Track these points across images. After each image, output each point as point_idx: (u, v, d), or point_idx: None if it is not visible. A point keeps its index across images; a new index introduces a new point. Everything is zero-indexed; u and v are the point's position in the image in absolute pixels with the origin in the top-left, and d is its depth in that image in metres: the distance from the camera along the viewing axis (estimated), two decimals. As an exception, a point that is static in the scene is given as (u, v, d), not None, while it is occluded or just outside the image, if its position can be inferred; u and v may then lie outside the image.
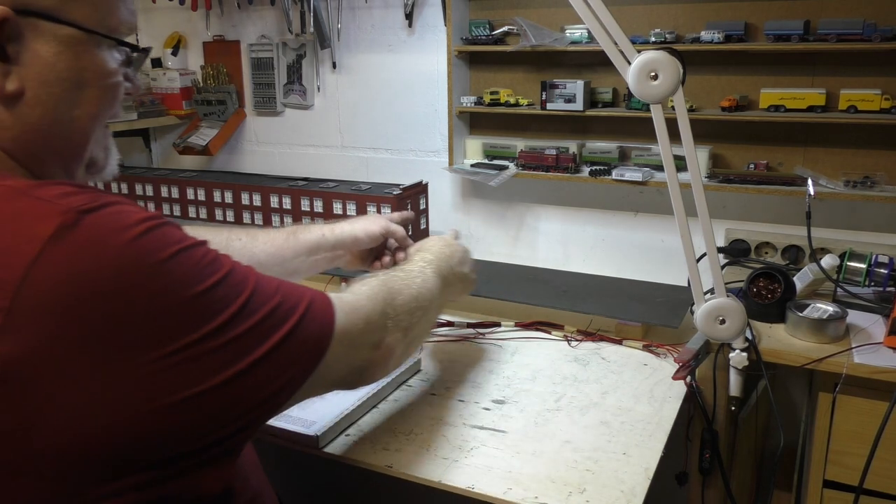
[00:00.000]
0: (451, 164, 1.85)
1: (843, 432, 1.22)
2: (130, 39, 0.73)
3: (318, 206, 1.67)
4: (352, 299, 0.81)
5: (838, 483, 1.24)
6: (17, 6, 0.64)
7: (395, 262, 1.14)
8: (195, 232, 1.12)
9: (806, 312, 1.27)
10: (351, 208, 1.63)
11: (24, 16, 0.64)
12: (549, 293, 1.49)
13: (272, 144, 2.22)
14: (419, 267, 1.00)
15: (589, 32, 1.62)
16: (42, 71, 0.67)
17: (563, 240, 1.89)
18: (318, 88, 2.09)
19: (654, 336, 1.36)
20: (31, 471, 0.54)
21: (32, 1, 0.65)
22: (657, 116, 1.08)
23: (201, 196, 1.81)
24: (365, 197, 1.61)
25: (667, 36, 1.57)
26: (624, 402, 1.13)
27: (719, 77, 1.61)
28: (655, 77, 1.06)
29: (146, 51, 0.81)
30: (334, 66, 2.04)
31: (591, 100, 1.70)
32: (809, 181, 1.43)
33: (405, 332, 0.88)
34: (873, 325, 1.29)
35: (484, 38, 1.74)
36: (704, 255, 1.17)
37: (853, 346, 1.21)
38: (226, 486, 0.68)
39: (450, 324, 1.41)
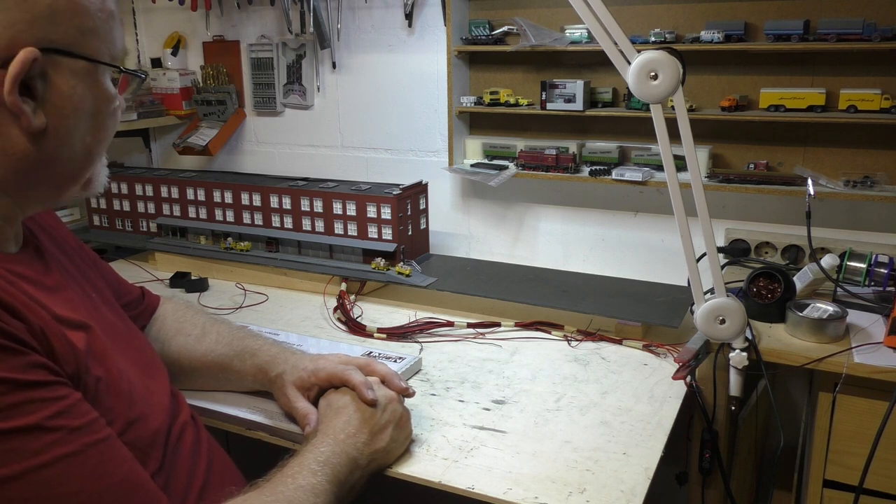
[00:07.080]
0: (450, 164, 1.85)
1: (843, 432, 1.22)
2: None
3: (318, 206, 1.67)
4: None
5: (838, 483, 1.24)
6: (40, 45, 0.66)
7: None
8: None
9: (806, 312, 1.27)
10: (351, 208, 1.63)
11: (46, 53, 0.67)
12: (549, 293, 1.49)
13: (272, 144, 2.22)
14: (306, 483, 0.80)
15: (589, 32, 1.62)
16: (62, 105, 0.69)
17: (563, 240, 1.89)
18: (318, 88, 2.09)
19: (654, 336, 1.36)
20: None
21: (53, 38, 0.67)
22: (657, 116, 1.08)
23: (201, 196, 1.81)
24: (365, 197, 1.61)
25: (667, 36, 1.57)
26: (624, 402, 1.13)
27: (719, 77, 1.61)
28: (655, 77, 1.06)
29: (145, 75, 0.84)
30: (334, 66, 2.04)
31: (591, 100, 1.70)
32: (809, 181, 1.43)
33: None
34: (873, 324, 1.29)
35: (484, 38, 1.74)
36: (704, 254, 1.17)
37: (853, 345, 1.21)
38: None
39: (450, 324, 1.41)
